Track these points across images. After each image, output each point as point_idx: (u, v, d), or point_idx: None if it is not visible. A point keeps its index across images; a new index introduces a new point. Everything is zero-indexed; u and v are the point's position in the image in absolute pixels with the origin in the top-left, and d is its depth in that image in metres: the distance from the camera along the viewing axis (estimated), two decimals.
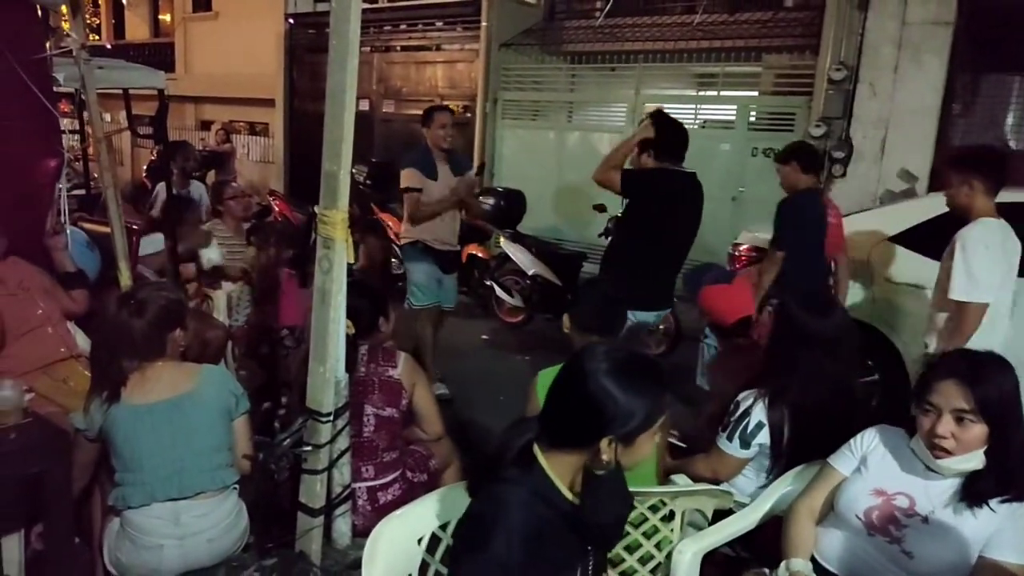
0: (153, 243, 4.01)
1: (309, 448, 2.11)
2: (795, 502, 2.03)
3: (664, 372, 1.46)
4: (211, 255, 4.25)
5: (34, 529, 2.24)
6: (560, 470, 1.43)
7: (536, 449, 1.44)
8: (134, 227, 3.79)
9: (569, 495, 1.44)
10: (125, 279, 3.21)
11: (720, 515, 2.14)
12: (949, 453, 1.69)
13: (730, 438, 2.25)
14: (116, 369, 2.11)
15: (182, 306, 2.29)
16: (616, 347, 1.47)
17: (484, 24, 8.85)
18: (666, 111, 3.79)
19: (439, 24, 9.72)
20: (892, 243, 4.11)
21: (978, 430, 1.66)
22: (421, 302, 4.54)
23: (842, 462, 1.95)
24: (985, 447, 1.68)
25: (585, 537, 1.48)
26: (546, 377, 2.36)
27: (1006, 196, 3.89)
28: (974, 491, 1.71)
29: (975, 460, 1.69)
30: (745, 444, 2.23)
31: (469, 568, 1.37)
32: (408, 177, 4.38)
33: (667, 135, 3.56)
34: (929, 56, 6.06)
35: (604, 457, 1.38)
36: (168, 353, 2.19)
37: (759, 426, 2.21)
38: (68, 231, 3.25)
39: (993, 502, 1.69)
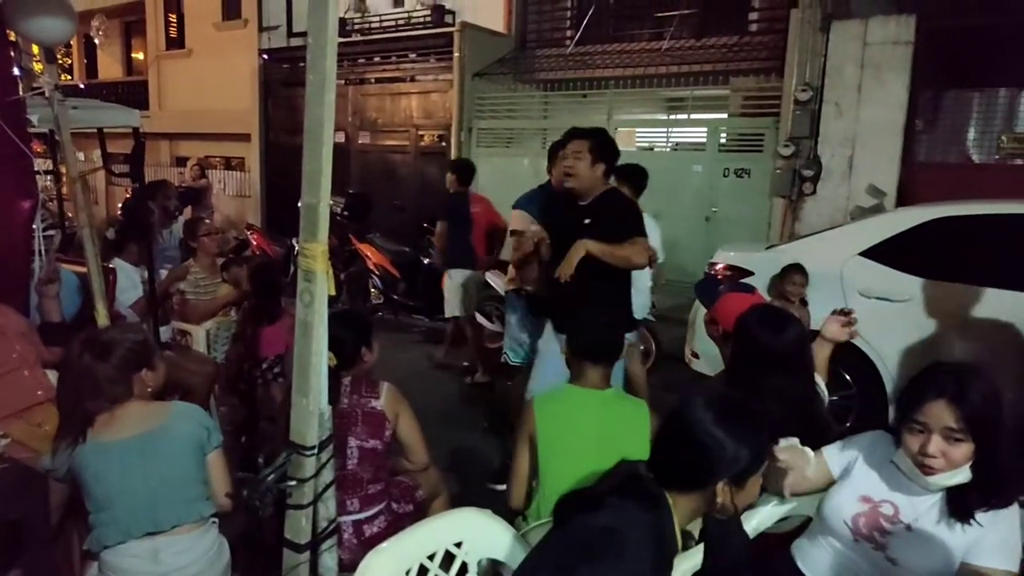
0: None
1: (294, 483, 2.09)
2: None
3: (762, 411, 1.55)
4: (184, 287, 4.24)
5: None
6: (679, 510, 1.49)
7: (659, 487, 1.49)
8: (110, 266, 3.78)
9: (679, 537, 1.49)
10: (102, 319, 3.18)
11: None
12: (937, 471, 1.70)
13: None
14: (81, 411, 2.08)
15: (148, 347, 2.26)
16: (717, 394, 1.58)
17: (457, 55, 8.97)
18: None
19: (412, 56, 9.84)
20: (863, 257, 4.19)
21: (966, 447, 1.67)
22: (517, 359, 4.08)
23: (833, 458, 1.96)
24: (971, 462, 1.69)
25: None
26: (543, 401, 2.35)
27: (967, 209, 4.03)
28: (960, 504, 1.72)
29: (962, 475, 1.70)
30: None
31: (604, 573, 1.37)
32: (517, 219, 3.84)
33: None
34: (891, 75, 6.24)
35: (720, 500, 1.45)
36: (136, 394, 2.17)
37: None
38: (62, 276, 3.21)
39: (977, 512, 1.71)
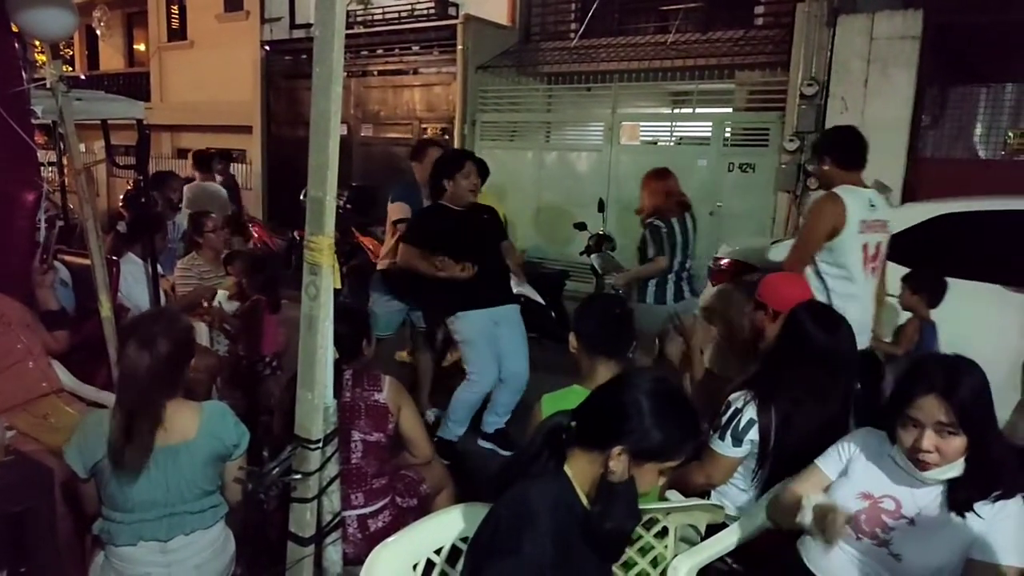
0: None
1: (298, 476, 2.09)
2: (778, 492, 2.06)
3: (698, 422, 1.56)
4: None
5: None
6: (580, 476, 1.51)
7: (567, 452, 1.53)
8: (113, 258, 3.76)
9: (585, 503, 1.50)
10: (106, 311, 3.17)
11: (713, 529, 2.15)
12: (932, 465, 1.71)
13: (722, 437, 2.25)
14: (161, 406, 2.03)
15: (192, 334, 2.24)
16: (665, 378, 1.59)
17: (460, 47, 8.93)
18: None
19: (416, 48, 9.80)
20: None
21: (959, 441, 1.68)
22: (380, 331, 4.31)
23: (828, 463, 1.97)
24: (965, 455, 1.71)
25: (592, 545, 1.52)
26: (551, 402, 2.30)
27: (974, 205, 4.00)
28: (958, 498, 1.73)
29: (956, 468, 1.72)
30: (737, 441, 2.23)
31: (501, 570, 1.39)
32: (398, 211, 4.29)
33: None
34: (897, 70, 6.21)
35: (611, 465, 1.46)
36: (180, 386, 2.14)
37: (751, 423, 2.22)
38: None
39: (978, 505, 1.71)
